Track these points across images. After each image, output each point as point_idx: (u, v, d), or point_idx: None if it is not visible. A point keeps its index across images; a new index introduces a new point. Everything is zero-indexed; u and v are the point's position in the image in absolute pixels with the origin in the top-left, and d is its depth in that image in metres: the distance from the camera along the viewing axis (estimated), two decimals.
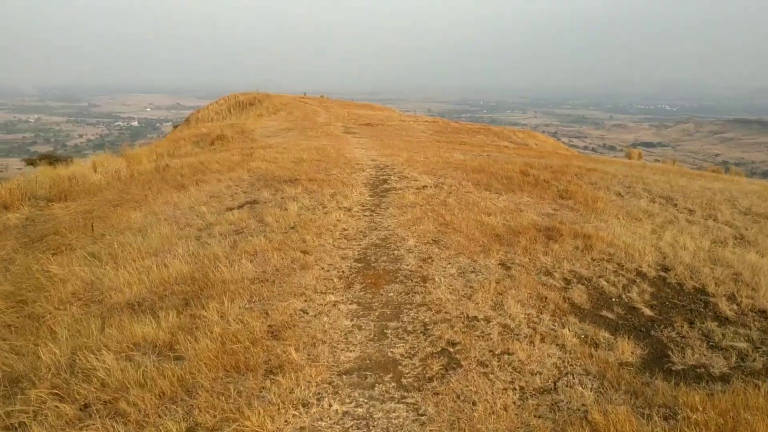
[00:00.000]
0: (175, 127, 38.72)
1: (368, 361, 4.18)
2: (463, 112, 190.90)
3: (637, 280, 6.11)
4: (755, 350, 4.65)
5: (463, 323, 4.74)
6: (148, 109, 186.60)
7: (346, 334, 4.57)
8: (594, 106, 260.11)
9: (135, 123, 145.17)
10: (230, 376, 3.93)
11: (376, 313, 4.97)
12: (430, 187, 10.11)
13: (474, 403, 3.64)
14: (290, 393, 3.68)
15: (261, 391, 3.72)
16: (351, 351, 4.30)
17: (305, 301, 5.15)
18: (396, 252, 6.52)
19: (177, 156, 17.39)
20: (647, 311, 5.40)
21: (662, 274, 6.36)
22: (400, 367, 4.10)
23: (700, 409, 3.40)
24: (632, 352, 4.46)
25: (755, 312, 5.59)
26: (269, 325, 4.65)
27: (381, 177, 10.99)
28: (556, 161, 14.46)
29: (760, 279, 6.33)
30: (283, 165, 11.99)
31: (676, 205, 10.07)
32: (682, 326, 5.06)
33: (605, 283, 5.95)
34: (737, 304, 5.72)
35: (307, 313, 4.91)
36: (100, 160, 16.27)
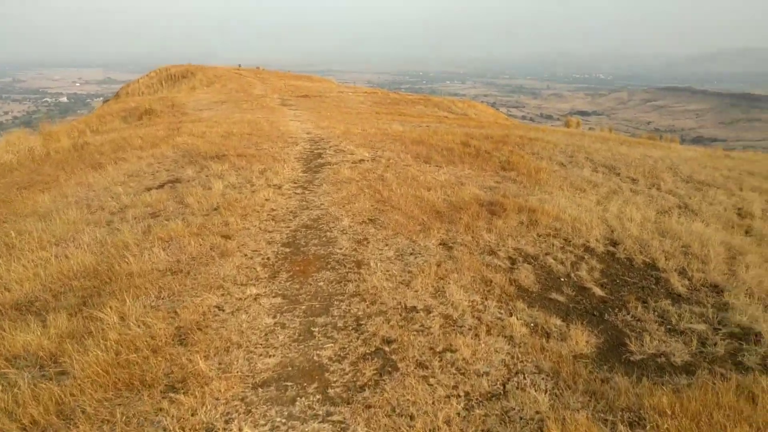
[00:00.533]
0: (105, 102, 36.81)
1: (290, 368, 3.56)
2: (403, 83, 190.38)
3: (586, 257, 5.73)
4: (714, 332, 4.31)
5: (400, 315, 4.19)
6: (78, 84, 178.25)
7: (266, 335, 3.94)
8: (531, 75, 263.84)
9: (64, 99, 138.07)
10: (121, 397, 3.26)
11: (303, 307, 4.36)
12: (368, 160, 9.54)
13: (412, 417, 3.08)
14: (192, 416, 3.05)
15: (156, 415, 3.07)
16: (271, 356, 3.68)
17: (222, 295, 4.51)
18: (329, 234, 5.94)
19: (101, 132, 16.28)
20: (598, 291, 5.01)
21: (611, 248, 6.01)
22: (327, 374, 3.50)
23: (669, 413, 2.97)
24: (587, 342, 4.03)
25: (707, 287, 5.30)
26: (177, 327, 4.00)
27: (316, 151, 10.36)
28: (497, 131, 14.09)
29: (709, 251, 6.06)
30: (211, 140, 11.18)
31: (619, 174, 9.83)
32: (636, 307, 4.69)
33: (552, 261, 5.54)
34: (689, 279, 5.42)
35: (223, 310, 4.27)
36: (13, 139, 14.98)
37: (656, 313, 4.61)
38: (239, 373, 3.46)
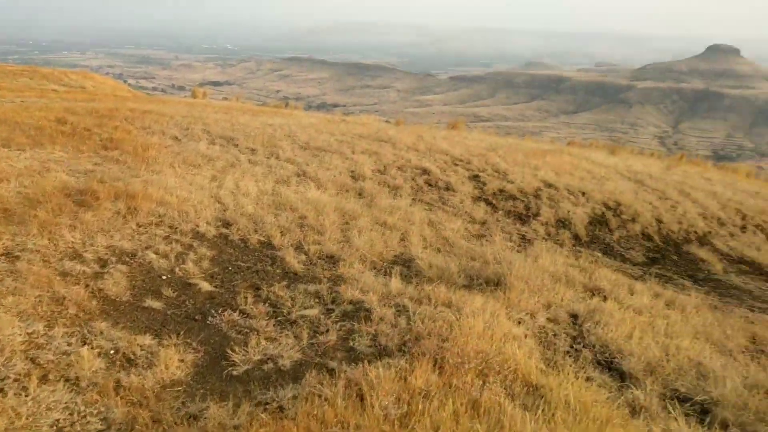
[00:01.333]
0: None
1: None
2: (11, 53, 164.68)
3: (195, 244, 4.99)
4: (327, 315, 3.96)
5: None
6: None
7: None
8: (158, 46, 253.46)
9: None
10: None
11: None
12: None
13: None
14: None
15: None
16: None
17: None
18: None
19: None
20: (206, 286, 4.31)
21: (224, 231, 5.39)
22: None
23: None
24: (181, 361, 3.23)
25: (323, 259, 5.06)
26: None
27: None
28: (108, 104, 12.43)
29: (324, 220, 5.89)
30: None
31: (237, 145, 9.32)
32: (247, 299, 4.11)
33: (154, 256, 4.66)
34: (305, 254, 5.11)
35: None
36: None
37: (269, 303, 4.09)
38: None
